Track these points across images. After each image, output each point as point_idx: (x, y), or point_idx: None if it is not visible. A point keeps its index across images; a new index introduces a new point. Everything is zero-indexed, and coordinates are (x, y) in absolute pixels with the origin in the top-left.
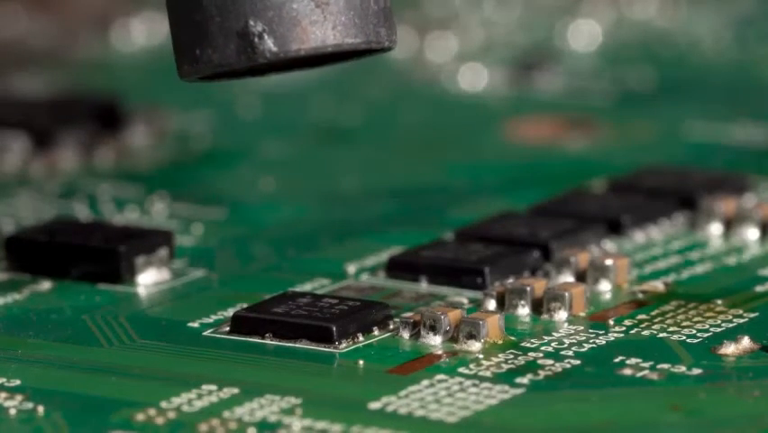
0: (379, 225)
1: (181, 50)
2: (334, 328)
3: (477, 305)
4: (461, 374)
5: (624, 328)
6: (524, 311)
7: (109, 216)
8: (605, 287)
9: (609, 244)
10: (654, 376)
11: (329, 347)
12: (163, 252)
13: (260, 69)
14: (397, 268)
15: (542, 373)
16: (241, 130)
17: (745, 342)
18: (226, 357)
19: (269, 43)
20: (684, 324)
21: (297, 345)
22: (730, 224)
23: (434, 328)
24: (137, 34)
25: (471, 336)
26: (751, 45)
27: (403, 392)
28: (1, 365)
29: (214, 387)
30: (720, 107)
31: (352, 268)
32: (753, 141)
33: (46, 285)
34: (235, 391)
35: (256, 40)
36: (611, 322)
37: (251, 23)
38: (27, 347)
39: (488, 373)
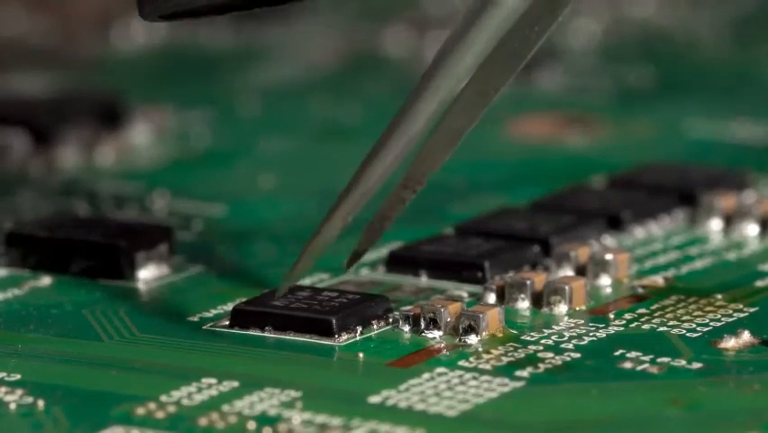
0: None
1: None
2: (334, 321)
3: (477, 299)
4: (461, 367)
5: (624, 322)
6: (524, 305)
7: (109, 214)
8: (605, 281)
9: (609, 240)
10: (654, 370)
11: (329, 340)
12: (163, 247)
13: (222, 8)
14: (397, 262)
15: (542, 367)
16: (240, 128)
17: (745, 336)
18: (226, 351)
19: None
20: (684, 318)
21: (296, 339)
22: (730, 219)
23: (434, 322)
24: (137, 33)
25: (471, 330)
26: (750, 43)
27: (403, 386)
28: (1, 360)
29: (213, 381)
30: (720, 105)
31: None
32: (752, 138)
33: (46, 280)
34: (235, 384)
35: None
36: (611, 316)
37: None
38: (27, 342)
39: (488, 367)
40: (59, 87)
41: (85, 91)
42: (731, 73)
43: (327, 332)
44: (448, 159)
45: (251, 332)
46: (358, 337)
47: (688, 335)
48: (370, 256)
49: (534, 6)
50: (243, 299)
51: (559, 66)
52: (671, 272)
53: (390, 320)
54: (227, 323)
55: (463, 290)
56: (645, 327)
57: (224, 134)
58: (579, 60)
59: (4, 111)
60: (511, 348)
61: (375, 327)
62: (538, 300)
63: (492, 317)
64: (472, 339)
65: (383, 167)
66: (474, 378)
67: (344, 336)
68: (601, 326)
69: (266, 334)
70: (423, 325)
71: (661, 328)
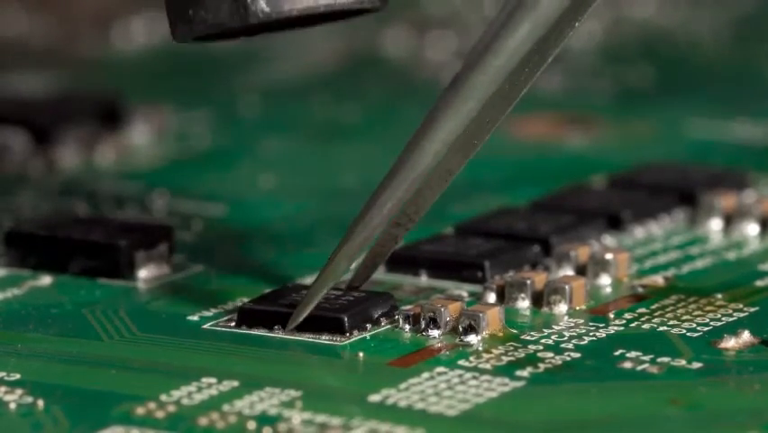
0: None
1: (174, 12)
2: (346, 319)
3: (477, 298)
4: (462, 367)
5: (624, 322)
6: (524, 304)
7: (109, 214)
8: (605, 281)
9: (609, 239)
10: (654, 370)
11: (341, 339)
12: (163, 247)
13: (252, 29)
14: (397, 262)
15: (542, 366)
16: (240, 128)
17: (746, 336)
18: (226, 350)
19: (262, 4)
20: (684, 318)
21: (297, 337)
22: (730, 219)
23: (434, 321)
24: (137, 33)
25: (471, 329)
26: (750, 43)
27: (403, 385)
28: (1, 360)
29: (213, 380)
30: (720, 105)
31: (353, 263)
32: (752, 138)
33: (46, 280)
34: (235, 384)
35: (249, 0)
36: (611, 315)
37: None
38: (27, 342)
39: (488, 366)
40: (59, 87)
41: (85, 91)
42: (731, 73)
43: (339, 330)
44: (441, 194)
45: (257, 332)
46: (368, 335)
47: (688, 334)
48: None
49: (528, 51)
50: (244, 299)
51: (559, 66)
52: (671, 272)
53: (396, 317)
54: (228, 322)
55: (463, 290)
56: (645, 326)
57: (223, 134)
58: (579, 60)
59: (4, 111)
60: (511, 348)
61: (383, 323)
62: (538, 300)
63: (492, 317)
64: (472, 339)
65: (390, 205)
66: (474, 377)
67: (356, 334)
68: (601, 325)
69: (275, 334)
70: (423, 324)
71: (661, 328)
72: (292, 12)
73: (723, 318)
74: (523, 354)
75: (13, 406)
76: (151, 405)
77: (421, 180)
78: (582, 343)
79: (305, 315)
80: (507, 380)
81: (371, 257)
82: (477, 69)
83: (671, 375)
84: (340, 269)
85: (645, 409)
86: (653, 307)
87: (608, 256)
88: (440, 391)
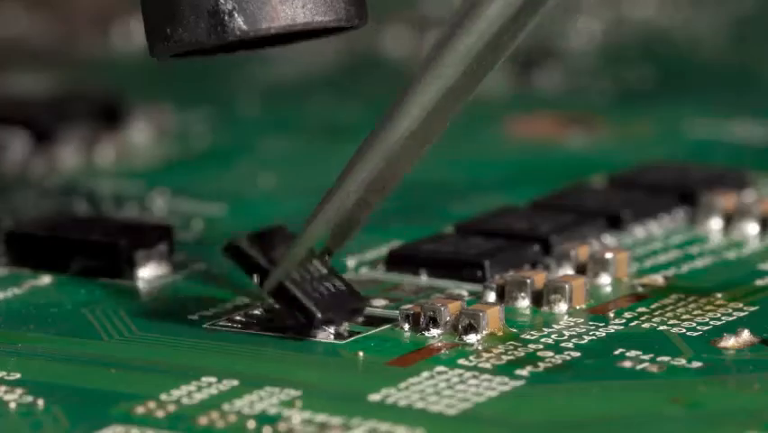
0: (378, 219)
1: (152, 29)
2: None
3: (477, 297)
4: (461, 366)
5: (624, 321)
6: (524, 303)
7: (109, 214)
8: (605, 280)
9: (609, 239)
10: (654, 369)
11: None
12: (163, 246)
13: (230, 46)
14: (397, 261)
15: (542, 365)
16: (240, 127)
17: (745, 335)
18: (226, 350)
19: (240, 21)
20: (684, 317)
21: (296, 336)
22: (730, 219)
23: (434, 321)
24: (137, 33)
25: (471, 328)
26: (750, 43)
27: (403, 384)
28: (1, 359)
29: (213, 379)
30: (720, 105)
31: (351, 261)
32: (752, 138)
33: (46, 279)
34: (235, 383)
35: (226, 18)
36: (611, 315)
37: (222, 1)
38: (27, 341)
39: (488, 365)
40: (59, 87)
41: (85, 91)
42: (731, 73)
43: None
44: (417, 163)
45: (250, 331)
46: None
47: (688, 334)
48: (371, 255)
49: (509, 17)
50: (244, 299)
51: (559, 66)
52: (671, 271)
53: (360, 320)
54: (228, 322)
55: (463, 289)
56: (645, 325)
57: (223, 134)
58: (579, 60)
59: (4, 111)
60: (511, 347)
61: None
62: (538, 299)
63: (492, 316)
64: (472, 338)
65: (368, 170)
66: (474, 377)
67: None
68: (601, 324)
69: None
70: (423, 324)
71: (661, 327)
72: (270, 30)
73: (723, 318)
74: (523, 354)
75: (13, 406)
76: (151, 404)
77: (399, 146)
78: (582, 342)
79: (281, 279)
80: (506, 379)
81: (346, 222)
82: (457, 34)
83: (671, 374)
84: (316, 232)
85: (645, 408)
86: (653, 306)
87: (608, 255)
88: (440, 390)
